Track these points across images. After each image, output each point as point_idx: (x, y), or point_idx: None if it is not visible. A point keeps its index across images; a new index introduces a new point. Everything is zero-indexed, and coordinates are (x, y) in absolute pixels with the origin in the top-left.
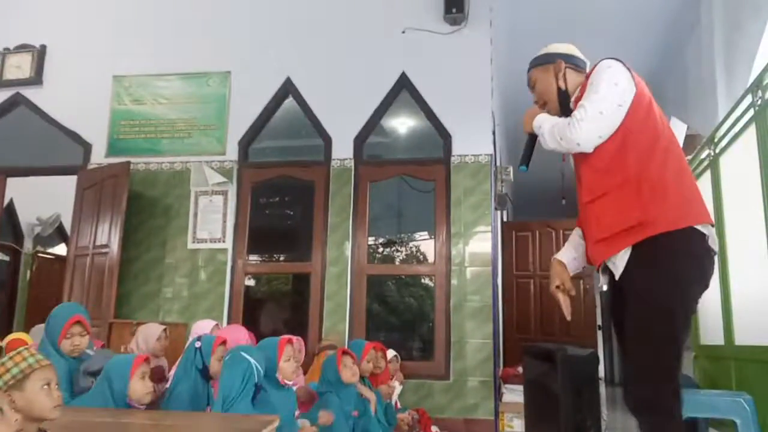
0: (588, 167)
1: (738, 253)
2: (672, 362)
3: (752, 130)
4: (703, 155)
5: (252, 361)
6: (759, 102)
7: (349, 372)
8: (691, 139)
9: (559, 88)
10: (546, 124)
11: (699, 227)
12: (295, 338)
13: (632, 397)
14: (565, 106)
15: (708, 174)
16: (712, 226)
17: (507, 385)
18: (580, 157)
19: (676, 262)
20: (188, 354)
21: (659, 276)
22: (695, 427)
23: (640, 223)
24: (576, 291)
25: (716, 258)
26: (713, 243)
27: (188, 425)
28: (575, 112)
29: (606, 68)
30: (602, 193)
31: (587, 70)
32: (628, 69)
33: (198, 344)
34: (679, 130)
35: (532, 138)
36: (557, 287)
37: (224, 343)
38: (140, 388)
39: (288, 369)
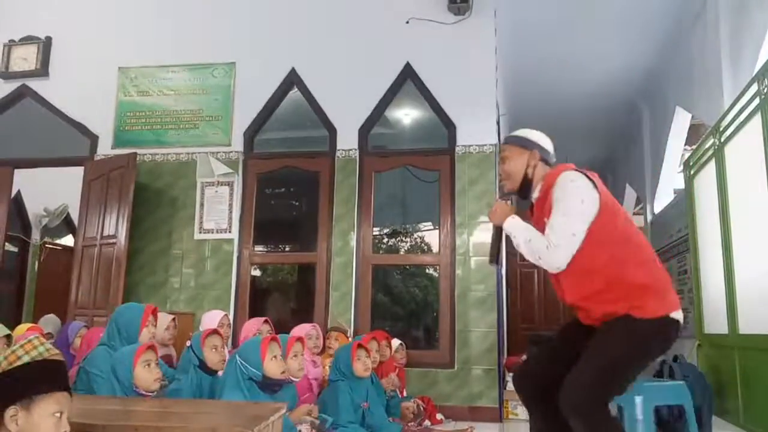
0: (564, 273)
1: (743, 243)
2: (613, 389)
3: (758, 119)
4: (708, 144)
5: (238, 360)
6: (765, 91)
7: (361, 366)
8: (695, 129)
9: (526, 175)
10: (520, 236)
11: (672, 315)
12: (309, 326)
13: (567, 398)
14: (522, 193)
15: (713, 163)
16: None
17: (511, 374)
18: None
19: (646, 338)
20: (186, 352)
21: (629, 342)
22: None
23: (628, 310)
24: None
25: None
26: (680, 321)
27: (196, 412)
28: (549, 235)
29: (569, 182)
30: (585, 296)
31: (552, 167)
32: (589, 178)
33: (188, 342)
34: (683, 119)
35: (499, 232)
36: None
37: (216, 333)
38: (145, 375)
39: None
